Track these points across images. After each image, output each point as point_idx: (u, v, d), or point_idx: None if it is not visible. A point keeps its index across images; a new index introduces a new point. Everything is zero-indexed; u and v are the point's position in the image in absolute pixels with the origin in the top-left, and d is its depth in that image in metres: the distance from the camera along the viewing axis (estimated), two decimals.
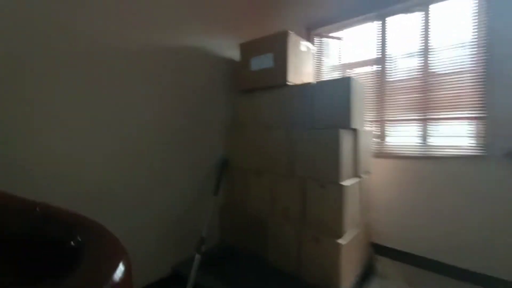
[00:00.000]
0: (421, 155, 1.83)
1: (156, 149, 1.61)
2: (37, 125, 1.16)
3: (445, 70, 1.75)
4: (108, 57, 1.37)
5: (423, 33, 1.84)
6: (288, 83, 1.72)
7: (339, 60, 2.40)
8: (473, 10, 1.65)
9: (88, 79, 1.30)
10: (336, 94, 1.52)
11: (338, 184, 1.44)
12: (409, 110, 1.89)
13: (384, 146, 2.01)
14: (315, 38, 2.41)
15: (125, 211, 1.45)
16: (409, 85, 1.90)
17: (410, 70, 1.90)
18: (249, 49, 1.90)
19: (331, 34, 2.41)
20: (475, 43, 1.64)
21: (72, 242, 0.43)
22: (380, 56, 2.03)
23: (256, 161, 1.83)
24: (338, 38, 2.45)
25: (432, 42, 1.81)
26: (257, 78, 1.85)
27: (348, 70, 2.33)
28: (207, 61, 1.92)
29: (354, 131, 1.60)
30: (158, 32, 1.60)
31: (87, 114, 1.31)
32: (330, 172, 1.47)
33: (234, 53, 2.06)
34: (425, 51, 1.83)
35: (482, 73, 1.61)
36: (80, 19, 1.27)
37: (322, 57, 2.41)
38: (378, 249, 1.96)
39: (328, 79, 2.33)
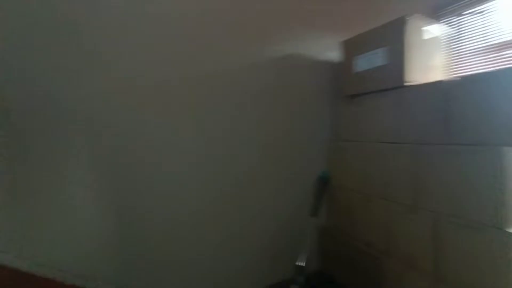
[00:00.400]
0: None
1: (252, 165, 1.56)
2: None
3: None
4: (208, 82, 1.42)
5: None
6: (409, 84, 1.31)
7: (484, 42, 1.74)
8: None
9: (191, 103, 1.40)
10: (495, 94, 1.03)
11: (501, 230, 0.96)
12: None
13: None
14: (445, 19, 1.83)
15: (216, 231, 1.45)
16: None
17: None
18: (354, 46, 1.57)
19: (468, 10, 1.79)
20: None
21: None
22: None
23: (364, 182, 1.49)
24: (480, 13, 1.80)
25: None
26: (365, 80, 1.51)
27: (497, 54, 1.66)
28: (305, 67, 1.70)
29: None
30: (251, 46, 1.53)
31: (190, 137, 1.40)
32: (485, 212, 1.00)
33: (335, 54, 1.76)
34: None
35: None
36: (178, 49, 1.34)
37: (457, 42, 1.81)
38: None
39: (477, 72, 1.70)
